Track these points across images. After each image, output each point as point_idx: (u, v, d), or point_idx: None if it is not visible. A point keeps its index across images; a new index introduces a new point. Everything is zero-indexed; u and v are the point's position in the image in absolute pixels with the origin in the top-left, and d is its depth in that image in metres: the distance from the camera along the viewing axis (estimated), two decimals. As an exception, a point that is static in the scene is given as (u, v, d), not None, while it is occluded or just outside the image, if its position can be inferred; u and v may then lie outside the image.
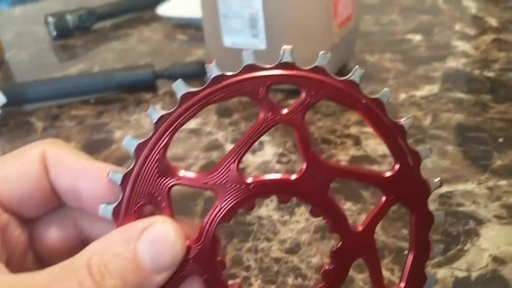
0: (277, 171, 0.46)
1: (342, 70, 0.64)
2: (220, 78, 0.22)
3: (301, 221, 0.40)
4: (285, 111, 0.23)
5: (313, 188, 0.23)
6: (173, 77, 0.65)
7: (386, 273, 0.34)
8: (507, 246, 0.35)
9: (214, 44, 0.61)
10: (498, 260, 0.34)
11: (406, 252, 0.36)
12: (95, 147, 0.53)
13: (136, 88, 0.64)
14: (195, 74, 0.64)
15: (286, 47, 0.23)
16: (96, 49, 0.81)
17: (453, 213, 0.39)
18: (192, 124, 0.56)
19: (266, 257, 0.37)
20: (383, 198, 0.24)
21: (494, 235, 0.36)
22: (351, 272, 0.34)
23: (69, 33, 0.85)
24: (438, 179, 0.24)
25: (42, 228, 0.24)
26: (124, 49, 0.79)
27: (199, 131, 0.54)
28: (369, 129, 0.51)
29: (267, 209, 0.41)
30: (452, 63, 0.62)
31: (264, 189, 0.23)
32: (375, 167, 0.45)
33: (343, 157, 0.47)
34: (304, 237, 0.38)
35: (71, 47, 0.83)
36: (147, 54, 0.77)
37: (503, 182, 0.41)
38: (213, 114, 0.57)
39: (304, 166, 0.23)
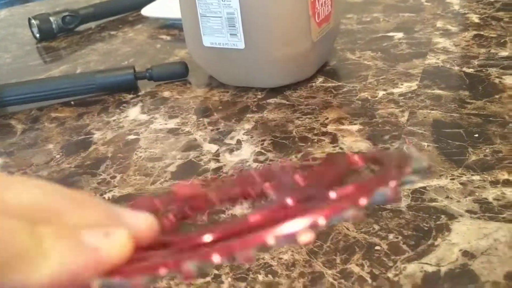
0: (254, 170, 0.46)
1: (322, 69, 0.64)
2: None
3: (274, 219, 0.40)
4: None
5: None
6: (154, 78, 0.65)
7: (356, 268, 0.34)
8: (477, 240, 0.36)
9: (193, 44, 0.61)
10: (468, 254, 0.35)
11: (377, 248, 0.36)
12: (73, 149, 0.53)
13: (117, 89, 0.64)
14: (176, 74, 0.64)
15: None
16: (80, 51, 0.81)
17: (426, 208, 0.39)
18: (171, 124, 0.56)
19: (238, 255, 0.37)
20: None
21: (466, 230, 0.37)
22: (321, 267, 0.34)
23: (53, 35, 0.85)
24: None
25: None
26: (108, 50, 0.79)
27: (178, 130, 0.54)
28: (346, 127, 0.52)
29: (241, 207, 0.41)
30: (432, 60, 0.63)
31: None
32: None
33: (319, 154, 0.47)
34: (277, 235, 0.38)
35: (55, 49, 0.83)
36: (130, 55, 0.77)
37: (476, 177, 0.41)
38: (192, 114, 0.57)
39: None
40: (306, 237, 0.17)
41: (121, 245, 0.19)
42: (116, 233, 0.19)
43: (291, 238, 0.18)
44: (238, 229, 0.19)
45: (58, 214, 0.19)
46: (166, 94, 0.63)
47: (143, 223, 0.20)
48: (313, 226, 0.17)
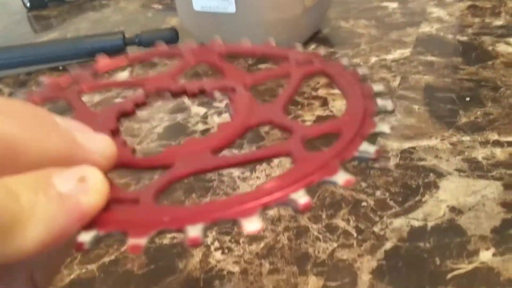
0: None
1: (315, 36, 0.63)
2: None
3: (261, 177, 0.39)
4: None
5: None
6: (143, 44, 0.64)
7: (342, 223, 0.34)
8: (465, 197, 0.35)
9: (184, 9, 0.60)
10: (455, 210, 0.34)
11: (363, 204, 0.35)
12: (59, 113, 0.52)
13: (106, 54, 0.63)
14: (166, 40, 0.63)
15: None
16: (71, 19, 0.80)
17: (414, 167, 0.38)
18: (160, 87, 0.55)
19: (223, 211, 0.36)
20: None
21: (454, 187, 0.36)
22: (307, 222, 0.34)
23: (43, 4, 0.84)
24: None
25: None
26: (99, 19, 0.78)
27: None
28: (337, 91, 0.51)
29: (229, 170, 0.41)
30: (426, 29, 0.62)
31: None
32: (340, 126, 0.45)
33: (309, 117, 0.47)
34: (263, 192, 0.38)
35: (45, 17, 0.82)
36: (121, 23, 0.75)
37: (466, 138, 0.41)
38: (181, 79, 0.56)
39: None
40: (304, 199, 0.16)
41: (98, 191, 0.16)
42: (91, 176, 0.16)
43: (287, 203, 0.17)
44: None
45: (12, 149, 0.15)
46: (155, 59, 0.62)
47: (105, 147, 0.17)
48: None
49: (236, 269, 0.31)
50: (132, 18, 0.77)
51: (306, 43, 0.61)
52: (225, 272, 0.31)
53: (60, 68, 0.62)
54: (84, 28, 0.74)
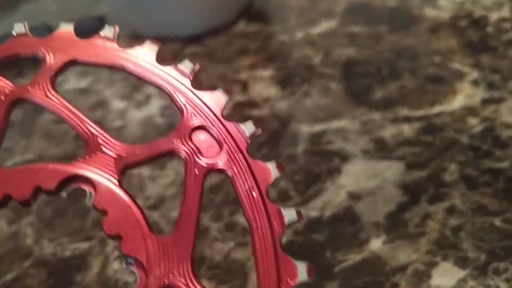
0: (159, 125, 0.45)
1: (246, 12, 0.62)
2: None
3: (171, 175, 0.39)
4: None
5: None
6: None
7: (242, 219, 0.34)
8: (366, 180, 0.35)
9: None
10: (354, 196, 0.34)
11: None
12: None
13: (34, 50, 0.61)
14: (94, 29, 0.62)
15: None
16: (5, 14, 0.77)
17: (320, 152, 0.38)
18: (83, 83, 0.54)
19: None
20: None
21: (356, 170, 0.36)
22: (207, 222, 0.34)
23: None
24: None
25: None
26: (33, 11, 0.76)
27: (88, 90, 0.52)
28: (259, 73, 0.50)
29: (138, 169, 0.40)
30: (356, -4, 0.60)
31: None
32: (256, 112, 0.44)
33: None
34: (171, 191, 0.38)
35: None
36: (56, 13, 0.74)
37: (377, 116, 0.41)
38: (106, 71, 0.55)
39: None
40: None
41: None
42: None
43: None
44: None
45: None
46: None
47: None
48: None
49: (132, 279, 0.31)
50: (66, 7, 0.75)
51: (235, 21, 0.60)
52: (121, 283, 0.31)
53: (-12, 69, 0.61)
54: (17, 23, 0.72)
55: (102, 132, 0.20)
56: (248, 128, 0.20)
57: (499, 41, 0.47)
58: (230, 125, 0.20)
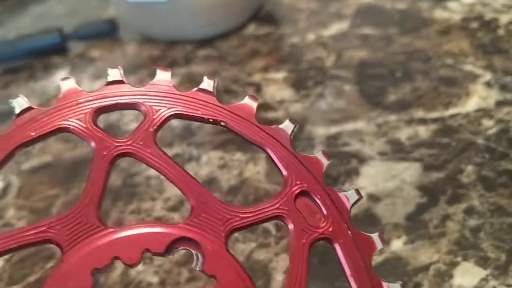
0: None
1: (256, 15, 0.62)
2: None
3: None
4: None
5: None
6: (83, 38, 0.63)
7: (261, 222, 0.34)
8: (384, 182, 0.35)
9: (117, 0, 0.59)
10: (373, 197, 0.34)
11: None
12: (-3, 119, 0.52)
13: (45, 53, 0.62)
14: (104, 33, 0.62)
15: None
16: (13, 16, 0.78)
17: (338, 154, 0.38)
18: (96, 85, 0.54)
19: (148, 217, 0.36)
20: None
21: (374, 173, 0.36)
22: None
23: (-14, 1, 0.82)
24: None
25: None
26: (41, 13, 0.76)
27: (102, 92, 0.53)
28: (272, 75, 0.50)
29: (157, 167, 0.41)
30: (366, -2, 0.61)
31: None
32: (271, 114, 0.45)
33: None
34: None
35: (-12, 15, 0.80)
36: (64, 16, 0.74)
37: (392, 117, 0.41)
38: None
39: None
40: None
41: None
42: None
43: None
44: None
45: None
46: (95, 54, 0.61)
47: None
48: None
49: (155, 279, 0.32)
50: (75, 9, 0.76)
51: (246, 24, 0.60)
52: (144, 284, 0.32)
53: (1, 71, 0.61)
54: (26, 25, 0.73)
55: (207, 193, 0.19)
56: (350, 196, 0.20)
57: (510, 43, 0.47)
58: (332, 192, 0.20)
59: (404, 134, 0.39)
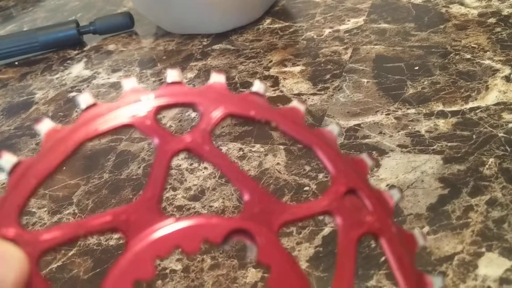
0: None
1: (271, 10, 0.62)
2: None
3: (209, 167, 0.40)
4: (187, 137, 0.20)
5: None
6: (98, 31, 0.63)
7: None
8: (405, 174, 0.35)
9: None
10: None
11: (306, 188, 0.36)
12: (15, 110, 0.52)
13: (61, 46, 0.62)
14: (121, 26, 0.63)
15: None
16: (28, 9, 0.78)
17: (358, 146, 0.39)
18: (113, 78, 0.55)
19: (169, 206, 0.37)
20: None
21: (395, 165, 0.36)
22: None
23: (0, -6, 0.82)
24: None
25: None
26: (55, 6, 0.77)
27: (119, 84, 0.53)
28: (289, 69, 0.51)
29: (177, 158, 0.41)
30: (381, -7, 0.61)
31: None
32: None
33: (259, 99, 0.46)
34: (210, 183, 0.38)
35: (3, 8, 0.80)
36: (78, 9, 0.74)
37: (411, 111, 0.41)
38: (135, 66, 0.56)
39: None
40: None
41: (16, 268, 0.17)
42: (12, 256, 0.17)
43: None
44: None
45: None
46: (111, 47, 0.61)
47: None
48: None
49: (178, 267, 0.32)
50: (91, 2, 0.76)
51: (261, 18, 0.60)
52: (167, 271, 0.32)
53: (16, 63, 0.62)
54: (41, 18, 0.73)
55: (260, 188, 0.20)
56: (394, 195, 0.20)
57: (529, 38, 0.47)
58: (376, 190, 0.20)
59: (424, 127, 0.39)
